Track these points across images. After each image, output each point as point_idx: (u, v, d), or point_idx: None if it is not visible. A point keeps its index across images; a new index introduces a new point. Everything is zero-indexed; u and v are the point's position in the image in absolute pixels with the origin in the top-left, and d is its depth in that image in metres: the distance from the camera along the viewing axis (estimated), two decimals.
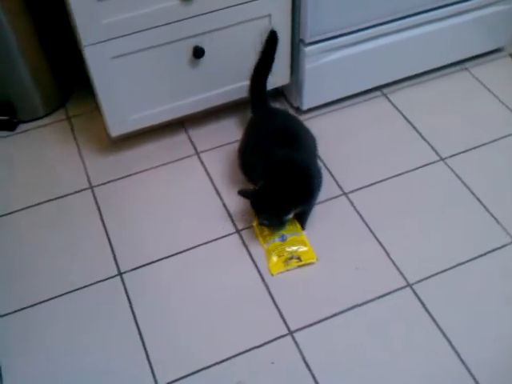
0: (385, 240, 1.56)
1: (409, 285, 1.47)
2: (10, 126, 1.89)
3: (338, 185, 1.69)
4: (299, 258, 1.51)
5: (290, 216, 1.52)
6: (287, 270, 1.50)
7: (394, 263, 1.51)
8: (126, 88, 1.61)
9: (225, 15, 1.57)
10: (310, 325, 1.40)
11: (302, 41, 1.70)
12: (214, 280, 1.50)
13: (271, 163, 1.51)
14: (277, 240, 1.54)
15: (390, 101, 1.93)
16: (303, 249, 1.53)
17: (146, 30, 1.51)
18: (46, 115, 1.94)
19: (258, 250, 1.55)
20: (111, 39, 1.49)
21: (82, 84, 1.90)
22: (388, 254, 1.53)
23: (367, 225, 1.59)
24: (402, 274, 1.49)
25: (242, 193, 1.53)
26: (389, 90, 1.96)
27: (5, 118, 1.87)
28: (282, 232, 1.55)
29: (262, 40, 1.65)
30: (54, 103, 1.96)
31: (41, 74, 1.88)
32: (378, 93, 1.95)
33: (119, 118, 1.67)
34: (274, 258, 1.51)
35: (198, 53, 1.60)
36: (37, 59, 1.85)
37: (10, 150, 1.84)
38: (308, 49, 1.70)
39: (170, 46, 1.57)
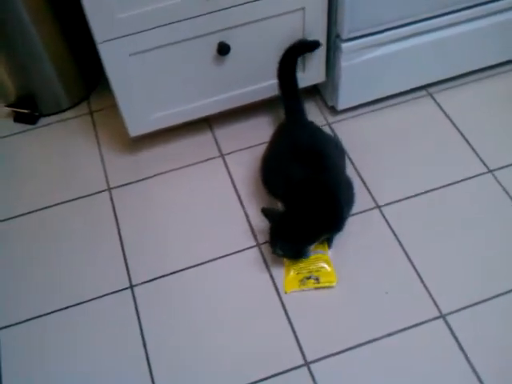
0: (419, 262, 1.41)
1: (442, 315, 1.33)
2: (31, 119, 1.82)
3: (372, 196, 1.55)
4: (317, 279, 1.39)
5: (312, 247, 1.40)
6: (302, 290, 1.38)
7: (427, 289, 1.37)
8: (145, 86, 1.50)
9: (252, 8, 1.43)
10: (330, 355, 1.29)
11: (338, 37, 1.55)
12: (228, 296, 1.40)
13: (293, 184, 1.38)
14: None
15: (435, 101, 1.75)
16: (325, 269, 1.40)
17: (165, 25, 1.38)
18: (70, 108, 1.86)
19: (278, 267, 1.43)
20: (128, 35, 1.38)
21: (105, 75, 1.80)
22: (421, 279, 1.39)
23: (401, 244, 1.45)
24: (435, 302, 1.35)
25: (265, 212, 1.41)
26: (435, 89, 1.78)
27: (26, 111, 1.81)
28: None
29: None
30: (77, 96, 1.88)
31: (64, 65, 1.80)
32: (423, 92, 1.78)
33: (139, 117, 1.56)
34: (291, 273, 1.40)
35: (223, 49, 1.48)
36: (59, 50, 1.76)
37: (28, 145, 1.77)
38: (345, 45, 1.55)
39: (193, 43, 1.45)
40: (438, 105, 1.74)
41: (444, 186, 1.55)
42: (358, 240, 1.46)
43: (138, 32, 1.38)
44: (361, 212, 1.51)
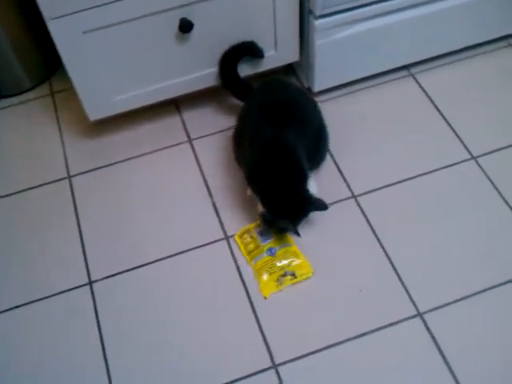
0: (396, 256, 1.33)
1: (419, 314, 1.24)
2: None
3: (347, 185, 1.45)
4: (293, 275, 1.30)
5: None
6: (280, 291, 1.30)
7: (404, 287, 1.28)
8: (103, 67, 1.39)
9: None
10: (299, 357, 1.20)
11: (311, 13, 1.43)
12: (193, 293, 1.31)
13: (259, 146, 1.29)
14: (265, 255, 1.33)
15: (417, 82, 1.65)
16: (297, 262, 1.32)
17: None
18: (30, 89, 1.75)
19: (246, 263, 1.35)
20: (80, 11, 1.26)
21: None
22: (398, 275, 1.30)
23: (377, 236, 1.36)
24: (412, 300, 1.26)
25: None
26: (417, 69, 1.67)
27: None
28: (269, 245, 1.34)
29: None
30: (38, 76, 1.77)
31: (23, 45, 1.68)
32: (404, 72, 1.67)
33: (98, 100, 1.46)
34: (265, 277, 1.31)
35: (186, 26, 1.36)
36: (18, 30, 1.65)
37: None
38: (319, 22, 1.43)
39: (152, 19, 1.33)
40: (420, 86, 1.64)
41: (424, 174, 1.46)
42: (332, 232, 1.37)
43: (91, 7, 1.26)
44: (335, 202, 1.41)
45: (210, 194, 1.46)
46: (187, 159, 1.53)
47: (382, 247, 1.34)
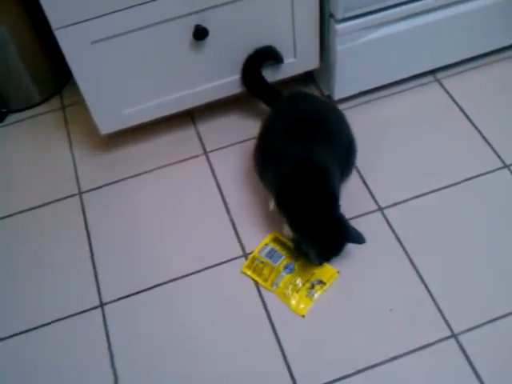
0: (426, 273, 1.24)
1: (453, 335, 1.15)
2: None
3: (373, 197, 1.37)
4: (321, 282, 1.22)
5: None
6: (317, 302, 1.22)
7: (436, 305, 1.19)
8: (113, 78, 1.33)
9: None
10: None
11: (332, 16, 1.36)
12: (212, 313, 1.23)
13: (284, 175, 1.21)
14: (284, 274, 1.25)
15: (444, 88, 1.57)
16: (318, 268, 1.24)
17: (132, 6, 1.21)
18: (41, 103, 1.69)
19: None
20: (88, 20, 1.20)
21: None
22: (430, 292, 1.21)
23: (406, 252, 1.27)
24: (446, 320, 1.17)
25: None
26: (443, 74, 1.59)
27: None
28: (284, 262, 1.26)
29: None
30: (49, 89, 1.71)
31: (33, 56, 1.63)
32: (429, 78, 1.59)
33: (109, 113, 1.39)
34: (295, 299, 1.22)
35: (200, 34, 1.30)
36: (28, 41, 1.59)
37: None
38: (340, 26, 1.36)
39: (164, 27, 1.27)
40: (447, 91, 1.56)
41: (454, 184, 1.37)
42: (359, 247, 1.28)
43: (99, 16, 1.20)
44: (361, 215, 1.33)
45: (228, 210, 1.38)
46: (203, 173, 1.46)
47: (412, 263, 1.25)
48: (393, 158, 1.42)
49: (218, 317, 1.22)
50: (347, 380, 1.11)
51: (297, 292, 1.22)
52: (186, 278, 1.28)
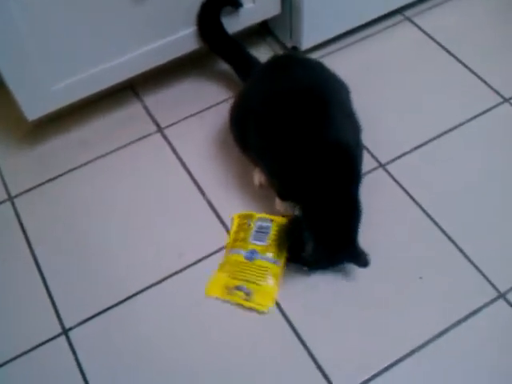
0: (452, 229, 1.05)
1: (501, 295, 0.97)
2: None
3: (371, 154, 1.17)
4: (248, 295, 1.00)
5: None
6: (225, 301, 1.00)
7: (474, 265, 1.01)
8: (39, 44, 1.04)
9: None
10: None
11: None
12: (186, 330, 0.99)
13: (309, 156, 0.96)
14: (243, 254, 1.04)
15: (417, 26, 1.39)
16: (265, 286, 1.01)
17: None
18: None
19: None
20: None
21: None
22: (461, 250, 1.03)
23: (423, 209, 1.08)
24: (489, 281, 0.99)
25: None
26: (411, 12, 1.42)
27: None
28: (257, 248, 1.04)
29: None
30: None
31: None
32: (398, 17, 1.41)
33: (36, 92, 1.10)
34: (222, 275, 1.03)
35: None
36: None
37: None
38: None
39: None
40: (421, 29, 1.38)
41: (455, 127, 1.20)
42: (370, 208, 1.07)
43: None
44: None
45: (202, 192, 1.14)
46: (162, 153, 1.21)
47: (429, 216, 1.07)
48: (383, 109, 1.23)
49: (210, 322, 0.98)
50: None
51: (227, 277, 1.02)
52: (165, 282, 1.03)
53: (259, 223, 1.07)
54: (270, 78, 1.07)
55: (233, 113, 1.11)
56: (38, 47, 1.04)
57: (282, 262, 1.03)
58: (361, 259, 0.97)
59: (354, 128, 1.03)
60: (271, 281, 1.01)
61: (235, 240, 1.06)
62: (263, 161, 1.05)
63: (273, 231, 1.06)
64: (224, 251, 1.05)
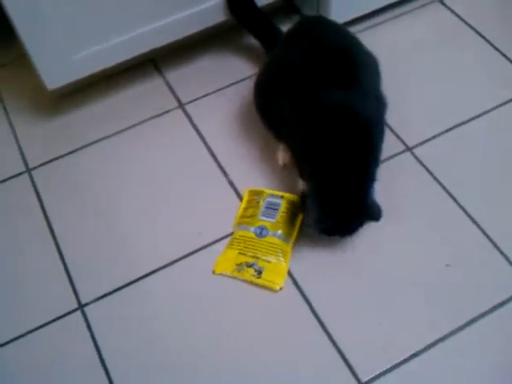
0: (479, 215, 1.02)
1: None
2: None
3: (398, 137, 1.13)
4: (259, 273, 0.97)
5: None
6: (234, 278, 0.98)
7: (500, 251, 0.98)
8: (59, 11, 1.01)
9: None
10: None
11: None
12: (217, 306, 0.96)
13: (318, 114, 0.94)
14: (252, 230, 1.01)
15: (447, 7, 1.35)
16: (274, 262, 0.98)
17: None
18: None
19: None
20: None
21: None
22: (489, 238, 0.99)
23: (450, 194, 1.05)
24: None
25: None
26: None
27: None
28: (266, 224, 1.02)
29: None
30: None
31: None
32: None
33: (57, 60, 1.08)
34: (232, 250, 1.01)
35: None
36: None
37: None
38: None
39: None
40: (453, 11, 1.34)
41: (485, 112, 1.16)
42: (394, 191, 1.04)
43: None
44: (388, 158, 1.09)
45: (224, 171, 1.11)
46: (183, 129, 1.18)
47: (457, 202, 1.03)
48: (410, 91, 1.19)
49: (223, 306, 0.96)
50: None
51: (237, 253, 1.00)
52: (184, 260, 1.01)
53: (269, 199, 1.05)
54: (298, 42, 1.04)
55: (258, 82, 1.08)
56: (60, 14, 1.01)
57: (292, 239, 1.00)
58: (373, 214, 0.94)
59: (379, 101, 1.00)
60: (282, 258, 0.98)
61: (243, 216, 1.04)
62: (287, 132, 1.02)
63: (283, 208, 1.03)
64: None
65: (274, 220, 1.02)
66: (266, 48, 1.19)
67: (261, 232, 1.01)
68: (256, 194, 1.06)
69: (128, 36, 1.11)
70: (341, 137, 0.92)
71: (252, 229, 1.01)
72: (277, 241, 1.00)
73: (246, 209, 1.05)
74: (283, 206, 1.03)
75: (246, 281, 0.97)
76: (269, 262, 0.98)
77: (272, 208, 1.03)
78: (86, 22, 1.05)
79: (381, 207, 0.95)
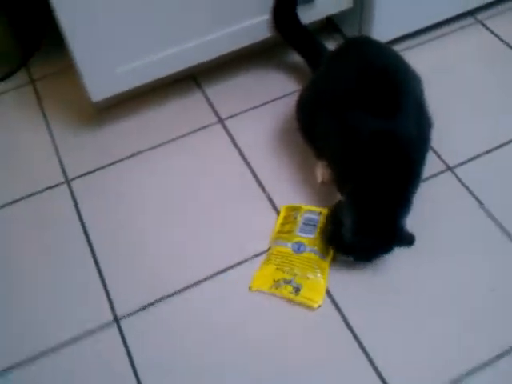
0: None
1: None
2: None
3: (439, 156, 1.12)
4: (297, 290, 0.96)
5: None
6: (272, 295, 0.96)
7: None
8: (107, 25, 1.03)
9: None
10: None
11: None
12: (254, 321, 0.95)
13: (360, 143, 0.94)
14: (289, 246, 1.00)
15: (488, 29, 1.34)
16: (313, 279, 0.97)
17: None
18: (4, 78, 1.36)
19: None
20: None
21: (49, 35, 1.31)
22: None
23: (493, 217, 1.03)
24: None
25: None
26: (484, 15, 1.37)
27: None
28: (303, 240, 1.01)
29: None
30: (11, 62, 1.39)
31: None
32: (469, 20, 1.36)
33: (102, 73, 1.09)
34: (270, 266, 0.99)
35: None
36: None
37: None
38: None
39: None
40: (493, 33, 1.33)
41: None
42: (435, 211, 1.03)
43: None
44: (428, 178, 1.08)
45: (262, 187, 1.11)
46: (222, 144, 1.18)
47: (500, 225, 1.01)
48: (453, 110, 1.18)
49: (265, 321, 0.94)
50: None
51: (275, 269, 0.99)
52: (221, 274, 1.00)
53: (307, 215, 1.04)
54: (344, 63, 1.04)
55: (302, 98, 1.08)
56: (111, 26, 1.03)
57: (328, 257, 0.99)
58: (405, 240, 0.93)
59: (425, 121, 0.99)
60: (320, 275, 0.97)
61: (280, 232, 1.03)
62: (328, 150, 1.02)
63: (320, 224, 1.02)
64: None
65: (312, 236, 1.01)
66: (310, 65, 1.19)
67: (298, 248, 1.00)
68: (293, 210, 1.05)
69: (172, 51, 1.12)
70: (383, 164, 0.92)
71: (289, 244, 1.00)
72: (314, 257, 0.99)
73: (283, 224, 1.04)
74: (321, 221, 1.03)
75: (283, 298, 0.96)
76: (307, 278, 0.97)
77: (310, 224, 1.03)
78: (133, 36, 1.06)
79: (413, 234, 0.93)
